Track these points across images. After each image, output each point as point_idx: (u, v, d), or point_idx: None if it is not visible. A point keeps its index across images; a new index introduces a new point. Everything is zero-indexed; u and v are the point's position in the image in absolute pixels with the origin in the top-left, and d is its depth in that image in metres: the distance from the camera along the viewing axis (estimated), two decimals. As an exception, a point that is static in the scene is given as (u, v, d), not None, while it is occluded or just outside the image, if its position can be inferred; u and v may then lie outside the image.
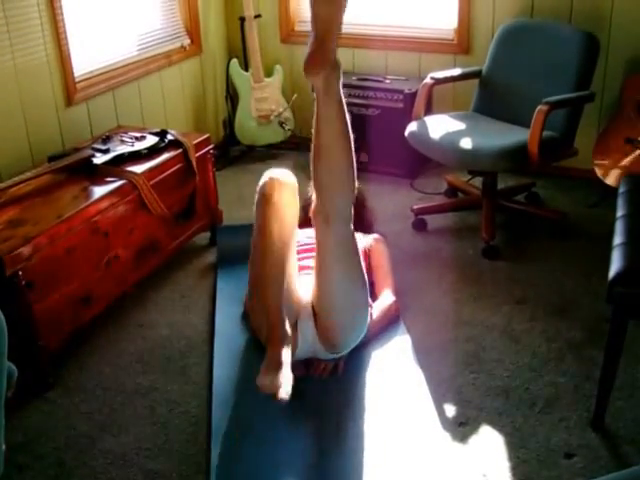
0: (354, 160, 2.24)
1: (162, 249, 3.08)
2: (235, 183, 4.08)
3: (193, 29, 4.20)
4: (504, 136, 3.19)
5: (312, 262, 2.57)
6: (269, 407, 2.31)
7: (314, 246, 2.63)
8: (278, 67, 4.40)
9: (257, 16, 4.32)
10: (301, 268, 2.59)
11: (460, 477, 2.05)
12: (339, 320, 2.36)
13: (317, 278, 2.35)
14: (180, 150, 3.11)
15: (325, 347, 2.40)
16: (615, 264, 2.07)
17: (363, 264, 2.43)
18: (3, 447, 1.75)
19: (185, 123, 4.25)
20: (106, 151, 3.02)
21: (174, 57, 4.06)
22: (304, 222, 3.06)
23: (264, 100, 4.36)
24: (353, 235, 2.31)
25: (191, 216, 3.21)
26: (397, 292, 2.77)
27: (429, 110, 3.81)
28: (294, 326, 2.38)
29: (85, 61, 3.44)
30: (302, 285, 2.46)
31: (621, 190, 2.52)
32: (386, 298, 2.72)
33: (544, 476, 2.04)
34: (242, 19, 4.30)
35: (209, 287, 3.07)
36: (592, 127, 3.75)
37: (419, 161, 3.92)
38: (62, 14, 3.19)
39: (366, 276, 2.49)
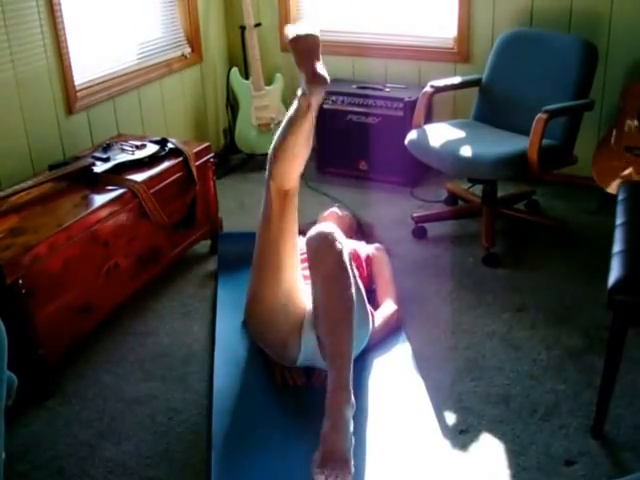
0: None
1: (162, 257, 3.08)
2: (235, 191, 4.08)
3: (194, 38, 4.22)
4: (504, 144, 3.20)
5: None
6: (269, 416, 2.31)
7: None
8: (278, 75, 4.42)
9: (257, 25, 4.34)
10: (305, 277, 2.59)
11: (460, 485, 2.05)
12: None
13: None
14: (180, 158, 3.12)
15: (324, 357, 2.39)
16: (615, 271, 2.07)
17: (357, 273, 2.44)
18: (3, 455, 1.75)
19: (185, 131, 4.26)
20: (106, 159, 3.03)
21: (175, 66, 4.08)
22: (307, 231, 3.07)
23: (264, 108, 4.37)
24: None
25: (191, 224, 3.22)
26: (398, 300, 2.77)
27: (429, 118, 3.82)
28: (297, 335, 2.38)
29: (86, 70, 3.46)
30: (305, 293, 2.46)
31: (620, 197, 2.52)
32: (388, 307, 2.72)
33: (544, 484, 2.05)
34: (242, 28, 4.32)
35: (209, 295, 3.07)
36: (592, 135, 3.76)
37: (419, 169, 3.92)
38: (63, 23, 3.21)
39: (362, 288, 2.49)
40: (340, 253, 2.28)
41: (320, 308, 2.30)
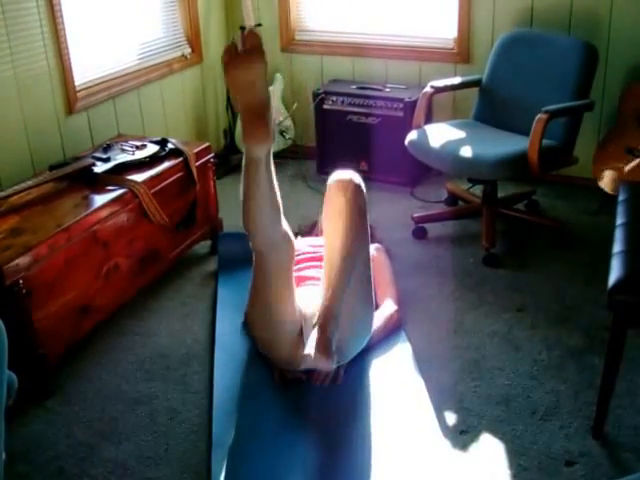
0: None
1: (162, 258, 3.08)
2: (235, 192, 4.00)
3: (194, 38, 4.22)
4: (504, 144, 3.20)
5: (315, 272, 2.58)
6: (270, 416, 2.31)
7: (317, 255, 2.64)
8: (278, 76, 4.42)
9: (257, 25, 4.33)
10: (305, 278, 2.58)
11: (461, 485, 2.05)
12: (346, 333, 2.35)
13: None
14: (181, 159, 3.12)
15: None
16: (615, 272, 2.07)
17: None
18: (3, 456, 1.75)
19: (186, 132, 4.26)
20: (107, 160, 3.03)
21: (175, 66, 4.08)
22: (307, 232, 3.08)
23: (264, 109, 4.36)
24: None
25: (191, 224, 3.22)
26: (398, 300, 2.77)
27: (429, 119, 3.82)
28: (300, 341, 2.36)
29: (86, 70, 3.45)
30: (305, 295, 2.45)
31: (620, 198, 2.52)
32: (388, 307, 2.72)
33: (545, 484, 2.04)
34: (242, 28, 4.31)
35: (209, 295, 3.07)
36: (592, 135, 3.76)
37: (419, 169, 3.92)
38: (63, 23, 3.20)
39: (372, 275, 2.50)
40: (358, 194, 2.34)
41: (333, 245, 2.33)
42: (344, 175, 2.38)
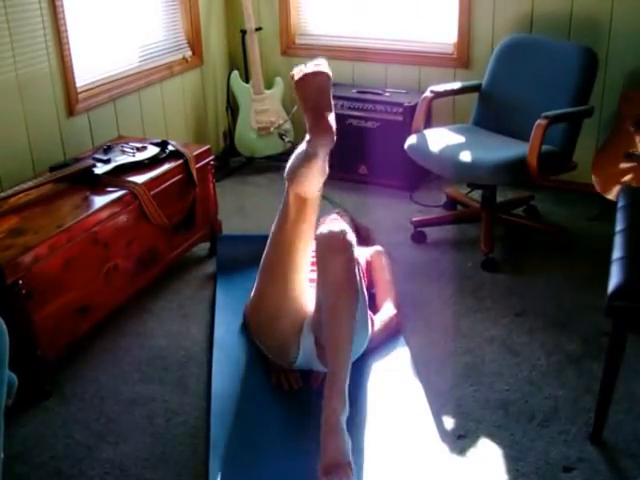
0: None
1: (161, 259, 3.08)
2: (235, 194, 4.09)
3: (195, 41, 4.22)
4: (503, 149, 3.20)
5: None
6: (268, 418, 2.31)
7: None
8: (278, 79, 4.42)
9: (258, 29, 4.35)
10: (311, 280, 2.58)
11: (459, 490, 2.05)
12: None
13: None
14: (181, 161, 3.12)
15: (323, 363, 2.38)
16: (614, 278, 2.07)
17: (363, 277, 2.43)
18: (2, 456, 1.75)
19: (186, 134, 4.26)
20: (107, 161, 3.03)
21: (175, 68, 4.08)
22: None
23: (264, 112, 4.37)
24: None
25: (191, 226, 3.22)
26: (398, 304, 2.77)
27: (428, 123, 3.83)
28: (297, 336, 2.37)
29: (87, 72, 3.46)
30: (309, 297, 2.45)
31: (620, 204, 2.52)
32: (387, 311, 2.71)
33: (543, 489, 2.04)
34: (243, 31, 4.32)
35: (208, 297, 3.07)
36: (591, 141, 3.76)
37: (418, 174, 3.93)
38: (65, 25, 3.21)
39: (365, 293, 2.48)
40: (350, 254, 2.21)
41: (325, 308, 2.22)
42: (335, 235, 2.23)
